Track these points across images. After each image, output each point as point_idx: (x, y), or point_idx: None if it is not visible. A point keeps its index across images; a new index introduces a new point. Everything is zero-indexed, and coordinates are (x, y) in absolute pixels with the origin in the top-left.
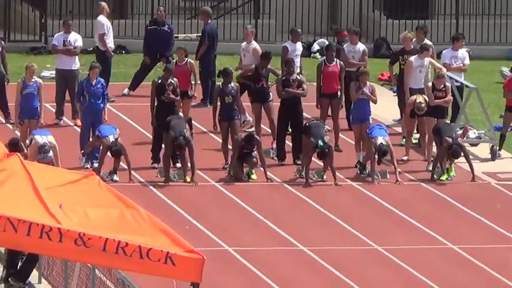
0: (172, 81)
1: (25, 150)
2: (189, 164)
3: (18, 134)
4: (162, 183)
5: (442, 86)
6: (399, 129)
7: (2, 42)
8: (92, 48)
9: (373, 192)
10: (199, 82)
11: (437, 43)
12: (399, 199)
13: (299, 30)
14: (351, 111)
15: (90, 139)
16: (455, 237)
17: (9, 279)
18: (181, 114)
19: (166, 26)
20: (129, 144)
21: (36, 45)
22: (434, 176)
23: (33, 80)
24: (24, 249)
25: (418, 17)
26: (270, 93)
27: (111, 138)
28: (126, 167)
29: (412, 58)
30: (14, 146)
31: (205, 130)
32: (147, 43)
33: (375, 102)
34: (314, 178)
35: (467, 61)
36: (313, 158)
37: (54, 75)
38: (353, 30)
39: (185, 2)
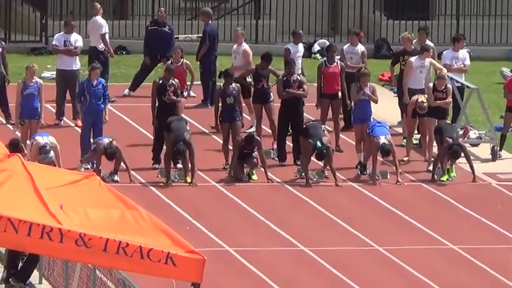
0: (173, 82)
1: (25, 151)
2: (189, 165)
3: (19, 134)
4: (163, 184)
5: (443, 87)
6: (400, 130)
7: (3, 42)
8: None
9: (373, 192)
10: (197, 82)
11: (438, 44)
12: (400, 200)
13: (301, 31)
14: (352, 112)
15: (91, 140)
16: (456, 238)
17: (10, 279)
18: (182, 115)
19: (167, 26)
20: (129, 144)
21: (36, 45)
22: (435, 176)
23: (33, 80)
24: (24, 250)
25: (419, 17)
26: (271, 94)
27: (106, 141)
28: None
29: (413, 59)
30: (14, 147)
31: (205, 131)
32: (148, 44)
33: (375, 102)
34: (315, 179)
35: (467, 62)
36: (312, 159)
37: (54, 76)
38: (353, 31)
39: (186, 2)
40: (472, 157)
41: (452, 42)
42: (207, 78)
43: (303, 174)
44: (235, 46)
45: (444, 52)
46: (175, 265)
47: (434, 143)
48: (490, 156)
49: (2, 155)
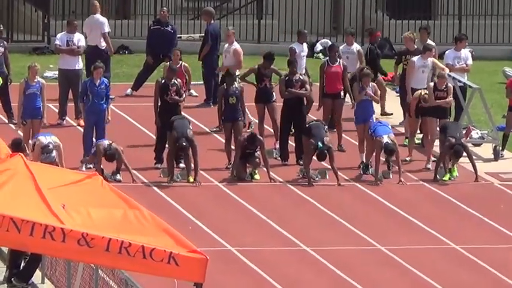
0: (176, 82)
1: (28, 151)
2: (192, 164)
3: (21, 134)
4: (165, 184)
5: (444, 86)
6: (402, 130)
7: (5, 42)
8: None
9: (376, 192)
10: (199, 82)
11: (440, 43)
12: (402, 199)
13: (306, 31)
14: (354, 112)
15: (93, 139)
16: (458, 237)
17: (12, 279)
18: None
19: (170, 26)
20: (132, 144)
21: (38, 45)
22: (437, 176)
23: (35, 80)
24: (27, 249)
25: (421, 17)
26: (274, 94)
27: (106, 142)
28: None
29: (415, 58)
30: (16, 146)
31: (208, 130)
32: (150, 43)
33: (377, 102)
34: (317, 178)
35: (470, 61)
36: (314, 158)
37: (57, 76)
38: (349, 31)
39: (188, 2)
40: (474, 157)
41: (455, 41)
42: (210, 78)
43: (305, 173)
44: (226, 45)
45: (446, 52)
46: (178, 265)
47: (436, 143)
48: (492, 156)
49: (4, 154)
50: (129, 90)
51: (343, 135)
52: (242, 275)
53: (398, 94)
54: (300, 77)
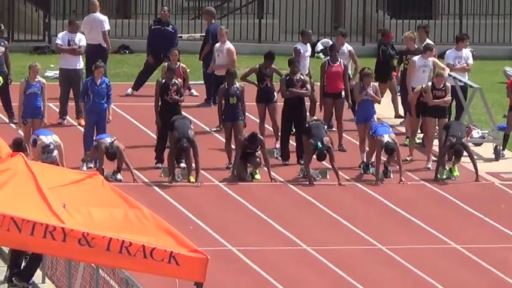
0: (176, 82)
1: (28, 150)
2: (193, 164)
3: (22, 133)
4: (166, 183)
5: (442, 85)
6: (403, 129)
7: (6, 42)
8: None
9: (377, 192)
10: (197, 82)
11: (441, 43)
12: (403, 199)
13: (310, 31)
14: (355, 112)
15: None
16: (459, 237)
17: (13, 278)
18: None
19: (170, 26)
20: (132, 144)
21: (39, 44)
22: (438, 175)
23: (36, 79)
24: (28, 249)
25: (422, 17)
26: (275, 94)
27: (108, 140)
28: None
29: (416, 58)
30: (17, 146)
31: (208, 130)
32: (151, 43)
33: (378, 102)
34: (318, 178)
35: (470, 61)
36: (314, 157)
37: (57, 75)
38: (339, 31)
39: (189, 2)
40: (475, 156)
41: (456, 41)
42: (210, 77)
43: (306, 173)
44: (217, 44)
45: (447, 51)
46: (179, 264)
47: (435, 142)
48: (493, 156)
49: (5, 154)
50: (129, 90)
51: (343, 134)
52: (243, 275)
53: (399, 93)
54: (301, 76)
